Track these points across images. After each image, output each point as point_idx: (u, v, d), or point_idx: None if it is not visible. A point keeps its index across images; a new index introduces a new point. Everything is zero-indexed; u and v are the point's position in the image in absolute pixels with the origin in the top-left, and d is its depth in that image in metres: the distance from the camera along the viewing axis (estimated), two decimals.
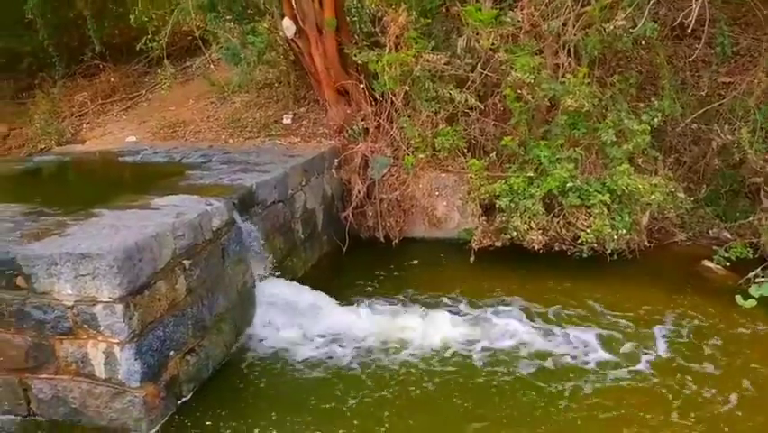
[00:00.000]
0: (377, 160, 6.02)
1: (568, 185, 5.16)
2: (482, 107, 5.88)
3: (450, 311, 4.60)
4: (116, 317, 3.17)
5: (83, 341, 3.28)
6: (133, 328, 3.24)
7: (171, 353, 3.53)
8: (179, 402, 3.60)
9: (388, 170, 6.00)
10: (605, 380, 3.69)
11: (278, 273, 4.75)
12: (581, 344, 4.15)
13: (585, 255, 5.13)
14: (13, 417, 3.51)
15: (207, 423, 3.44)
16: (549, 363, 3.92)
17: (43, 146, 6.86)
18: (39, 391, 3.46)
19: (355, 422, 3.41)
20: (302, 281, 4.76)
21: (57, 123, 7.27)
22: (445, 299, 4.83)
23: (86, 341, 3.27)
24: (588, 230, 5.08)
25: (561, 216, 5.26)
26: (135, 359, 3.26)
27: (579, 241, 5.14)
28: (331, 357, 4.08)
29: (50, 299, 3.25)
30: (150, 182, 4.76)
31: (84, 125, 7.45)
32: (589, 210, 5.17)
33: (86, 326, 3.25)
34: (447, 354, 4.04)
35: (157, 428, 3.38)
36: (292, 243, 5.22)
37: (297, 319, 4.37)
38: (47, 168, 5.79)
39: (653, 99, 5.78)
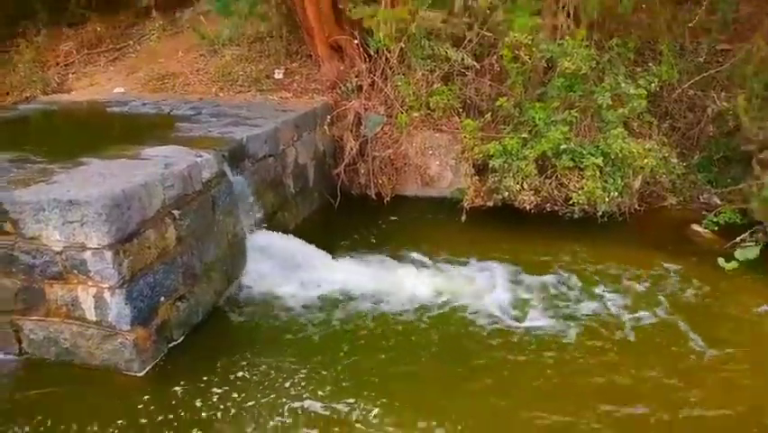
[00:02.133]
0: (370, 117, 5.94)
1: (562, 147, 5.14)
2: (478, 67, 5.82)
3: (434, 266, 4.63)
4: (106, 264, 3.18)
5: (73, 285, 3.29)
6: (123, 274, 3.24)
7: (162, 298, 3.54)
8: (170, 345, 3.66)
9: (382, 129, 5.93)
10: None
11: (269, 226, 4.75)
12: (558, 298, 4.22)
13: (576, 216, 5.18)
14: (5, 356, 3.56)
15: (197, 364, 3.53)
16: (502, 318, 3.98)
17: (28, 95, 6.68)
18: (30, 331, 3.50)
19: (335, 358, 3.57)
20: (293, 235, 4.77)
21: (42, 71, 7.06)
22: (432, 255, 4.85)
23: (76, 285, 3.29)
24: (579, 192, 5.09)
25: (553, 178, 5.29)
26: (125, 303, 3.28)
27: (570, 202, 5.17)
28: (315, 303, 4.16)
29: (39, 244, 3.24)
30: (138, 133, 4.68)
31: (70, 75, 7.25)
32: (581, 172, 5.17)
33: (75, 271, 3.25)
34: (424, 305, 4.14)
35: (148, 368, 3.45)
36: (283, 197, 5.18)
37: (286, 269, 4.40)
38: (33, 116, 5.66)
39: (650, 64, 5.74)
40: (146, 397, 3.24)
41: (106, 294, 3.24)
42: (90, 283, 3.25)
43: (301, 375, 3.43)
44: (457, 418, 3.06)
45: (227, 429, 3.03)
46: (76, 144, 4.42)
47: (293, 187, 5.39)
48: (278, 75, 6.61)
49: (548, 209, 5.30)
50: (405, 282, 4.37)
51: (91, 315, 3.33)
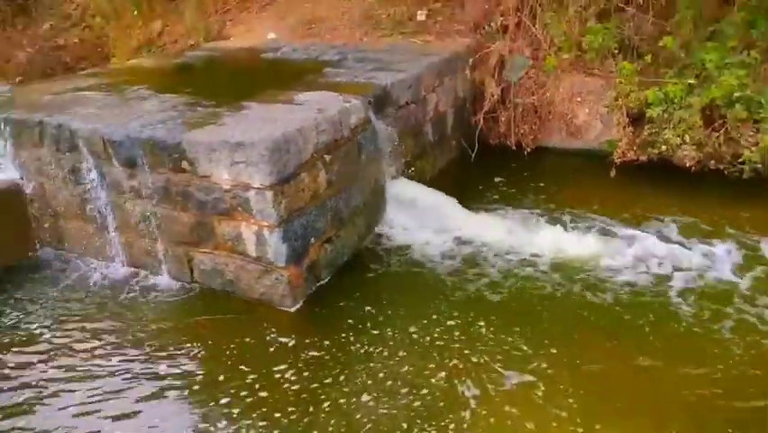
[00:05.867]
0: (515, 60, 5.67)
1: (735, 95, 4.59)
2: (641, 1, 5.31)
3: (578, 226, 4.44)
4: (267, 203, 3.37)
5: (237, 222, 3.53)
6: (281, 214, 3.42)
7: (312, 240, 3.70)
8: (318, 284, 3.84)
9: (526, 73, 5.65)
10: None
11: (408, 175, 4.81)
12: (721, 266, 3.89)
13: (745, 176, 4.62)
14: (179, 282, 3.99)
15: (341, 303, 3.71)
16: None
17: (192, 42, 7.22)
18: (200, 262, 3.83)
19: (471, 310, 3.62)
20: (429, 184, 4.79)
21: (204, 19, 7.56)
22: (577, 212, 4.66)
23: (240, 222, 3.52)
24: (753, 148, 4.54)
25: (722, 131, 4.75)
26: (282, 242, 3.47)
27: (740, 160, 4.63)
28: (457, 255, 4.17)
29: (210, 182, 3.51)
30: (291, 78, 4.85)
31: (227, 22, 7.68)
32: (756, 125, 4.61)
33: (240, 209, 3.48)
34: (569, 267, 3.99)
35: (299, 304, 3.66)
36: (422, 145, 5.14)
37: (424, 219, 4.45)
38: (198, 63, 6.08)
39: None
40: (297, 333, 3.45)
41: (266, 232, 3.44)
42: (252, 221, 3.46)
43: (451, 324, 3.52)
44: None
45: (378, 366, 3.17)
46: (237, 89, 4.67)
47: (432, 135, 5.30)
48: (421, 17, 6.48)
49: (711, 167, 4.80)
50: (548, 243, 4.23)
51: (252, 251, 3.56)
